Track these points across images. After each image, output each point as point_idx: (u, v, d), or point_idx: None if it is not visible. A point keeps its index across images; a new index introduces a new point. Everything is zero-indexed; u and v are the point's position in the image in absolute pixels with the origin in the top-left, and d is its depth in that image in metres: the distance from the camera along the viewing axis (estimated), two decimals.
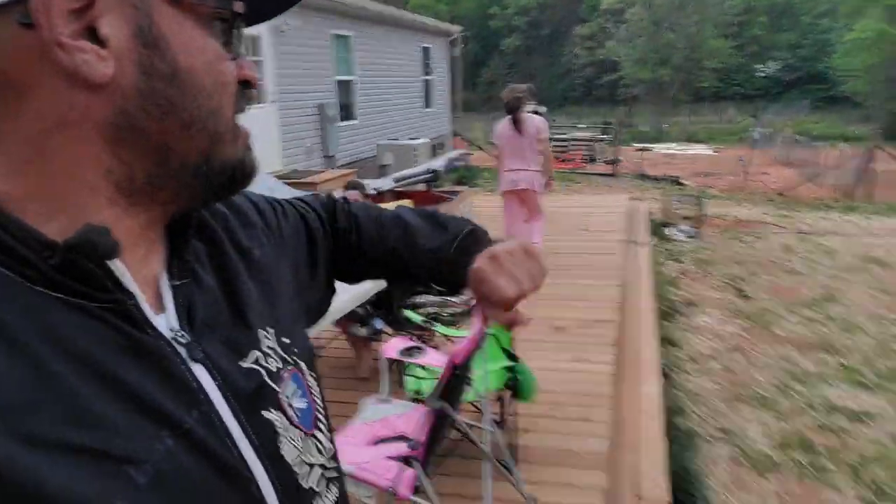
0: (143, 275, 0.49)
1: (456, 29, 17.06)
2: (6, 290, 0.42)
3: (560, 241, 6.77)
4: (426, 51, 15.09)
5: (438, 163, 5.35)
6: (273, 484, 0.52)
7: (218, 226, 0.61)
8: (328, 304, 0.81)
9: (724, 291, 6.23)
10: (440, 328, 3.46)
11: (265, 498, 0.51)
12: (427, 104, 15.33)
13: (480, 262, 0.72)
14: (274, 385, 0.56)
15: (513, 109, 5.29)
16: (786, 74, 51.75)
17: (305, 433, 0.58)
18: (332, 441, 0.63)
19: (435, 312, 3.62)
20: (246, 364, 0.54)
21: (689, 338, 5.08)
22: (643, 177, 14.93)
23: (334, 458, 0.63)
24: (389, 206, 3.47)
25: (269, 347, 0.57)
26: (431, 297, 3.80)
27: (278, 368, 0.57)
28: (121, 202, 0.47)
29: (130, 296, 0.47)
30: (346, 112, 11.23)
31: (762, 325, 5.36)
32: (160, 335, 0.48)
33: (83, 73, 0.43)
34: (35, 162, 0.44)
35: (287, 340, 0.61)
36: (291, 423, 0.56)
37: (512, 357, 2.92)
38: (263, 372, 0.55)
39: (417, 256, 0.78)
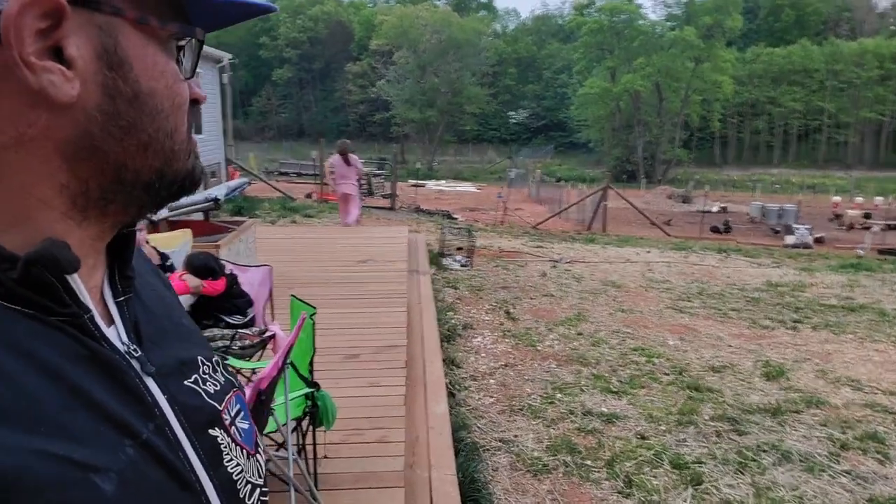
0: (89, 287, 0.49)
1: (225, 55, 16.51)
2: None
3: (348, 271, 6.88)
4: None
5: (220, 191, 5.15)
6: (220, 497, 0.53)
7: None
8: None
9: (495, 314, 6.81)
10: (232, 361, 3.33)
11: None
12: (197, 130, 14.52)
13: None
14: (216, 404, 0.57)
15: (343, 152, 10.07)
16: (533, 122, 58.27)
17: (249, 453, 0.59)
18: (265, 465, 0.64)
19: (225, 346, 3.47)
20: (188, 383, 0.55)
21: (468, 358, 5.47)
22: (419, 210, 15.74)
23: (265, 482, 0.63)
24: (166, 237, 3.32)
25: (205, 372, 0.58)
26: (221, 331, 3.63)
27: (216, 390, 0.58)
28: (74, 216, 0.47)
29: (86, 310, 0.47)
30: None
31: (528, 343, 5.96)
32: (115, 348, 0.49)
33: (48, 92, 0.43)
34: None
35: (229, 366, 0.62)
36: (235, 441, 0.57)
37: (311, 384, 2.92)
38: (203, 393, 0.56)
39: None
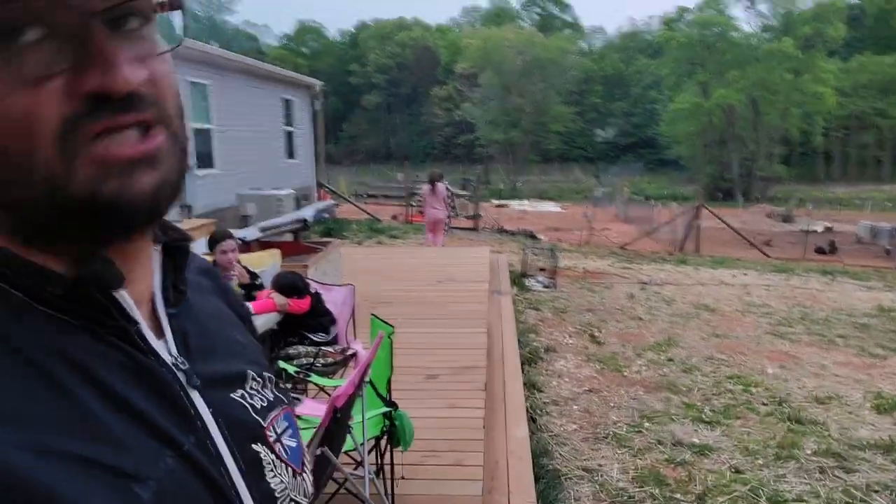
0: (138, 299, 0.50)
1: (317, 83, 17.23)
2: (16, 310, 0.43)
3: (430, 291, 6.93)
4: (288, 102, 15.03)
5: (308, 212, 5.35)
6: None
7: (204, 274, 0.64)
8: None
9: (579, 337, 6.64)
10: (315, 378, 3.39)
11: None
12: (290, 155, 15.18)
13: None
14: (260, 419, 0.57)
15: (432, 181, 11.01)
16: (621, 139, 57.00)
17: (295, 471, 0.59)
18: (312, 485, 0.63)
19: (309, 363, 3.55)
20: (234, 396, 0.56)
21: (550, 382, 5.34)
22: (501, 231, 15.69)
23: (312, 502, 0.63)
24: (256, 256, 3.41)
25: (252, 388, 0.58)
26: (305, 348, 3.72)
27: (263, 406, 0.58)
28: (28, 242, 0.44)
29: (134, 322, 0.48)
30: (204, 161, 10.85)
31: (614, 368, 5.76)
32: (162, 360, 0.50)
33: None
34: None
35: (279, 384, 0.63)
36: (280, 458, 0.57)
37: (390, 404, 2.93)
38: (249, 407, 0.56)
39: None
